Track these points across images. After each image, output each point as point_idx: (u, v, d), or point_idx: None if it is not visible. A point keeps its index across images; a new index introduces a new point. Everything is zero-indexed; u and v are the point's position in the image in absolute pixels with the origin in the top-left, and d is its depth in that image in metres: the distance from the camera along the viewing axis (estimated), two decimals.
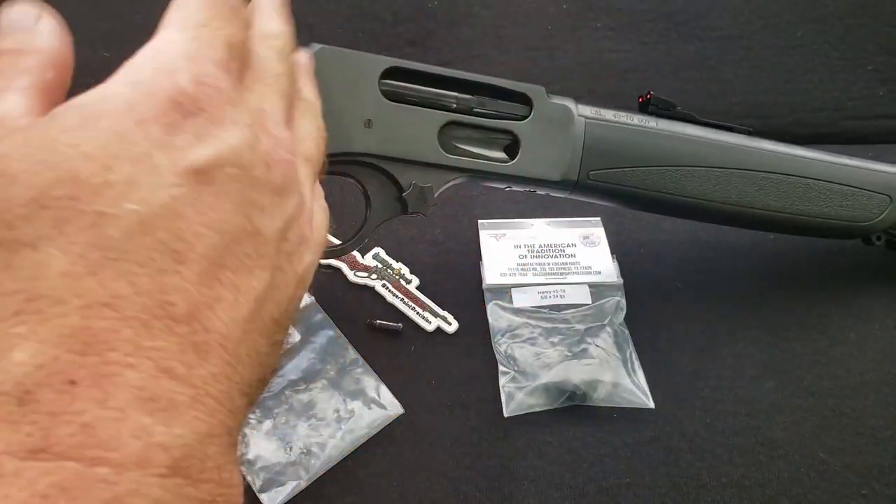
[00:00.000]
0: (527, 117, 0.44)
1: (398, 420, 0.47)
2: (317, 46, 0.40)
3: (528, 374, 0.48)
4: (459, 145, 0.44)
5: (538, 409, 0.47)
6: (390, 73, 0.42)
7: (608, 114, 0.46)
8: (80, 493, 0.19)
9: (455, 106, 0.44)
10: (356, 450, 0.46)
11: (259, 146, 0.26)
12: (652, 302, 0.55)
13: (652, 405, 0.48)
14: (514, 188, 0.47)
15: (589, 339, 0.50)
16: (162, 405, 0.21)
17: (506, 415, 0.47)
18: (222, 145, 0.24)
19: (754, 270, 0.57)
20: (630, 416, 0.48)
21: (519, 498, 0.44)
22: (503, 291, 0.54)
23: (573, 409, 0.48)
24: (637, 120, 0.47)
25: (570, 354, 0.49)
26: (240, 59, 0.27)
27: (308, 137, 0.31)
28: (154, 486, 0.20)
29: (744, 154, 0.48)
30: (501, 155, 0.45)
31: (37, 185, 0.20)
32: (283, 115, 0.29)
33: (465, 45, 0.70)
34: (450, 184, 0.44)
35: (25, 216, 0.20)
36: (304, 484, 0.44)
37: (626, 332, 0.52)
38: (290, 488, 0.43)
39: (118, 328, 0.20)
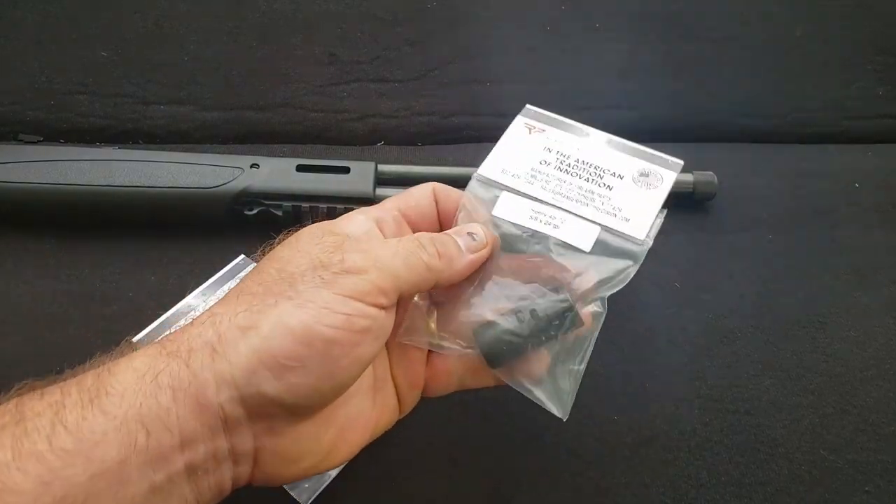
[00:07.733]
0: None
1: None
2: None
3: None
4: None
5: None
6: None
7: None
8: None
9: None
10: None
11: None
12: (650, 301, 0.55)
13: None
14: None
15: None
16: None
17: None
18: None
19: (752, 269, 0.57)
20: (628, 415, 0.48)
21: (518, 498, 0.44)
22: (491, 190, 0.43)
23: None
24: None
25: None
26: None
27: None
28: None
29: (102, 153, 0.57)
30: None
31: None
32: None
33: (465, 45, 0.70)
34: None
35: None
36: (333, 473, 0.43)
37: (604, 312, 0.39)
38: (321, 481, 0.43)
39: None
